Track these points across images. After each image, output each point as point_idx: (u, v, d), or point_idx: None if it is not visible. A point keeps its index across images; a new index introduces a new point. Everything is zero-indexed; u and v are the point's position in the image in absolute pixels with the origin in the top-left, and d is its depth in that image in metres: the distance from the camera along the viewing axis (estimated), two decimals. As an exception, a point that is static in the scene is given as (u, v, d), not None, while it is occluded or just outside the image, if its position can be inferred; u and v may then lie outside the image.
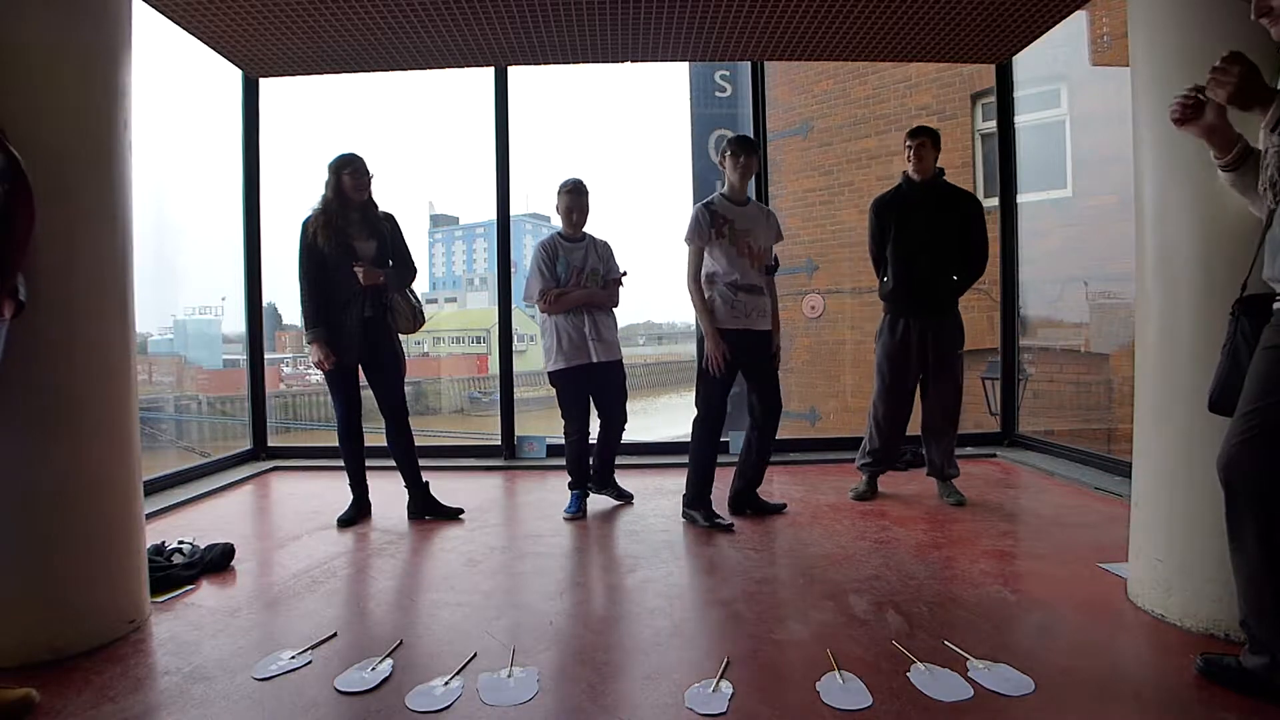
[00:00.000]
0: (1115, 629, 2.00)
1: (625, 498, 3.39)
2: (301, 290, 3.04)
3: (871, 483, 3.40)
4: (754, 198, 3.32)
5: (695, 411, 3.10)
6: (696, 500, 3.04)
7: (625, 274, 3.32)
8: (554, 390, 3.28)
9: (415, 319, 3.20)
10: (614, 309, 3.30)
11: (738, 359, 2.99)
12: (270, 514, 3.49)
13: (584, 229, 3.28)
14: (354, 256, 3.01)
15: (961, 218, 3.18)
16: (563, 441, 3.31)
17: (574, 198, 3.23)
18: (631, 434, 3.45)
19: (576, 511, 3.21)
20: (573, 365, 3.18)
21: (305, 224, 3.04)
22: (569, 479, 3.29)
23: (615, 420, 3.33)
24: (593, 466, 3.35)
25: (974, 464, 4.03)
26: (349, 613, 2.19)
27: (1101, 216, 5.30)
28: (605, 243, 3.33)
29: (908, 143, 3.20)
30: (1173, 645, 1.88)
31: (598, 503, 3.36)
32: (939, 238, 3.15)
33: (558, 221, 3.36)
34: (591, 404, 3.29)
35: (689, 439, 3.13)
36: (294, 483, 3.96)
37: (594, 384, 3.25)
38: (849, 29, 3.72)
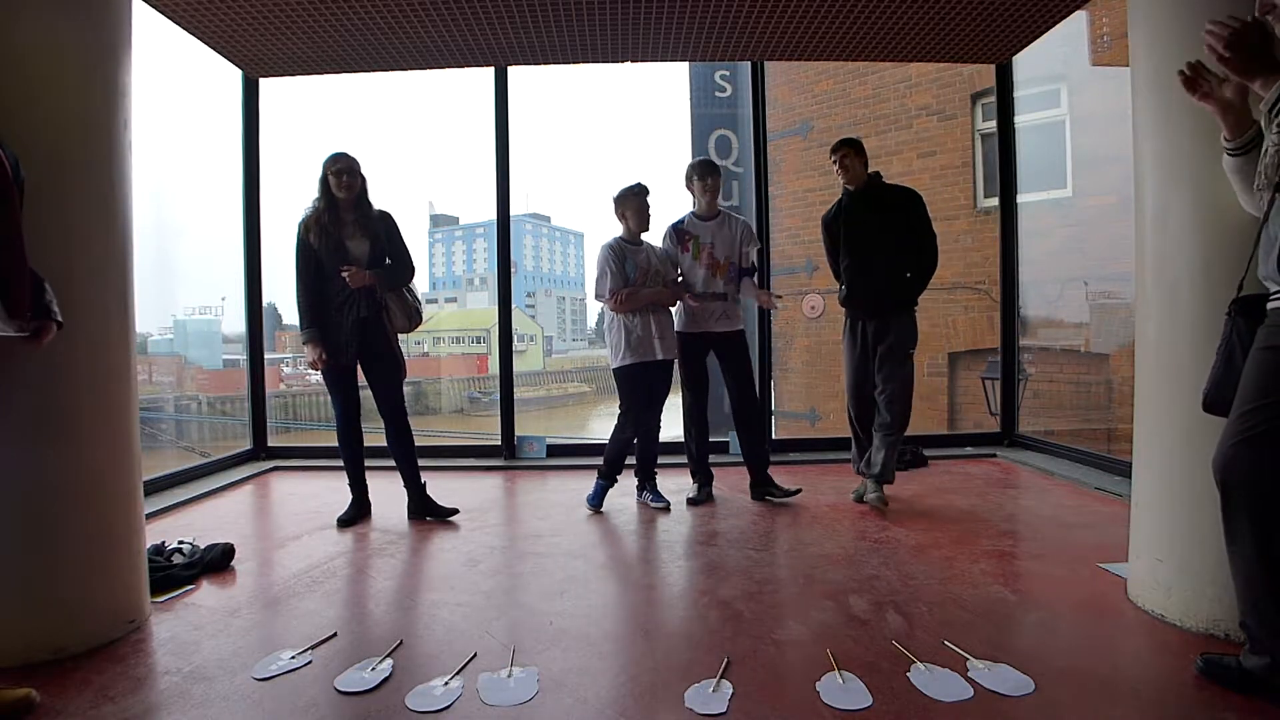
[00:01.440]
0: (1115, 629, 2.00)
1: (662, 503, 3.32)
2: (297, 290, 3.04)
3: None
4: (739, 204, 3.69)
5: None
6: (693, 475, 3.53)
7: (681, 277, 3.40)
8: (615, 384, 3.34)
9: (412, 318, 3.18)
10: (671, 310, 3.37)
11: (701, 358, 3.39)
12: (270, 514, 3.49)
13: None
14: (346, 256, 3.00)
15: (904, 214, 3.17)
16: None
17: (646, 199, 3.27)
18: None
19: (598, 503, 3.28)
20: (640, 361, 3.23)
21: (300, 224, 3.04)
22: (601, 468, 3.31)
23: (653, 423, 3.40)
24: (634, 468, 3.43)
25: (974, 464, 4.04)
26: (349, 613, 2.19)
27: (1101, 216, 5.30)
28: (657, 246, 3.39)
29: (831, 158, 3.22)
30: (1173, 645, 1.88)
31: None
32: (885, 239, 3.15)
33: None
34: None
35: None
36: (294, 483, 3.96)
37: (651, 380, 3.30)
38: (849, 29, 3.73)
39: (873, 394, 3.24)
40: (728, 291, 3.34)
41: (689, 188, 3.41)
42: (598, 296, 3.32)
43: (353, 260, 3.01)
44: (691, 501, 3.37)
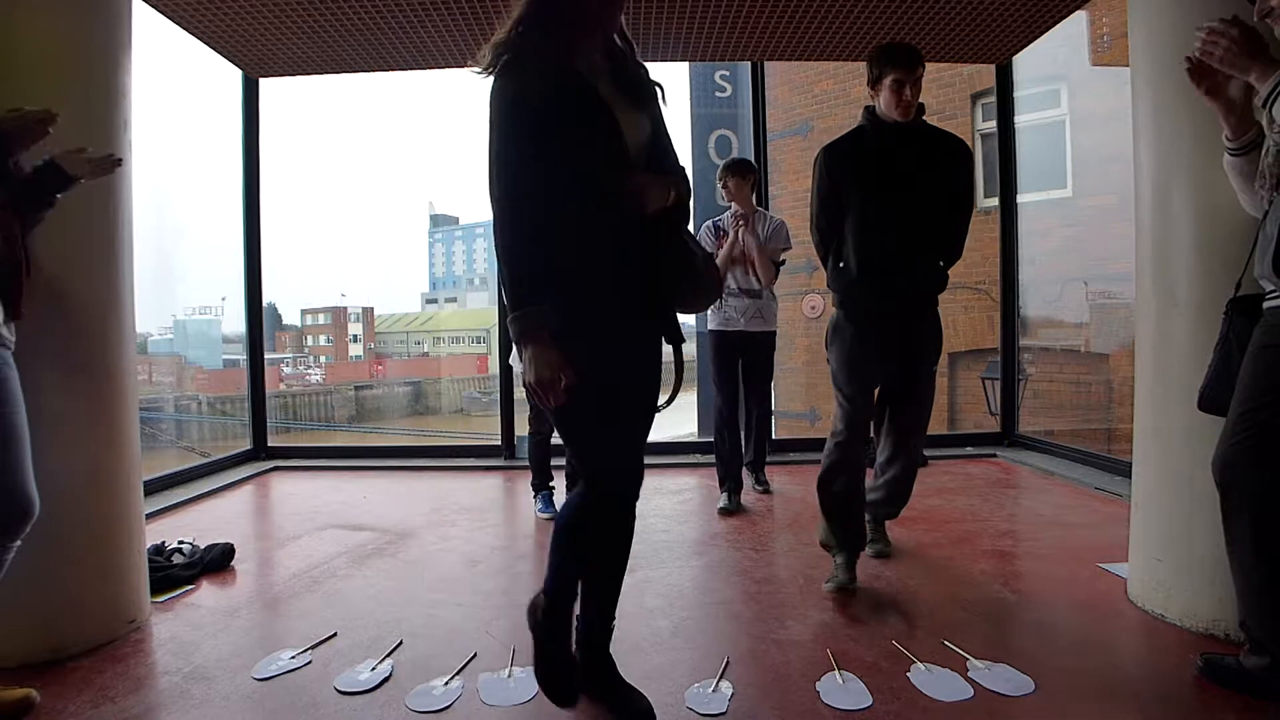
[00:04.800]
0: (1115, 629, 2.00)
1: (549, 512, 3.16)
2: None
3: (850, 566, 2.25)
4: (758, 206, 3.61)
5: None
6: (722, 483, 3.31)
7: None
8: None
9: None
10: None
11: (728, 357, 3.30)
12: (270, 514, 3.49)
13: None
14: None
15: (948, 172, 2.27)
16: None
17: None
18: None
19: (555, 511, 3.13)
20: None
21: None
22: (534, 480, 3.24)
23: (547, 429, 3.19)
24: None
25: (974, 464, 4.04)
26: (349, 613, 2.18)
27: (1101, 216, 5.30)
28: None
29: (894, 77, 2.25)
30: (1173, 645, 1.88)
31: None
32: (921, 202, 2.19)
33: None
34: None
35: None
36: (294, 483, 3.96)
37: None
38: (849, 29, 3.72)
39: (873, 418, 2.37)
40: (761, 290, 3.27)
41: (725, 187, 3.33)
42: None
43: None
44: (724, 511, 3.15)
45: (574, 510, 1.51)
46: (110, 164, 1.75)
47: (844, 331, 2.28)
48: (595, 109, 1.39)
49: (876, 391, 2.34)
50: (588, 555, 1.56)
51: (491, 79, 1.40)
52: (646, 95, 1.50)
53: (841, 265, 2.27)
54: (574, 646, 1.60)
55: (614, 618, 1.62)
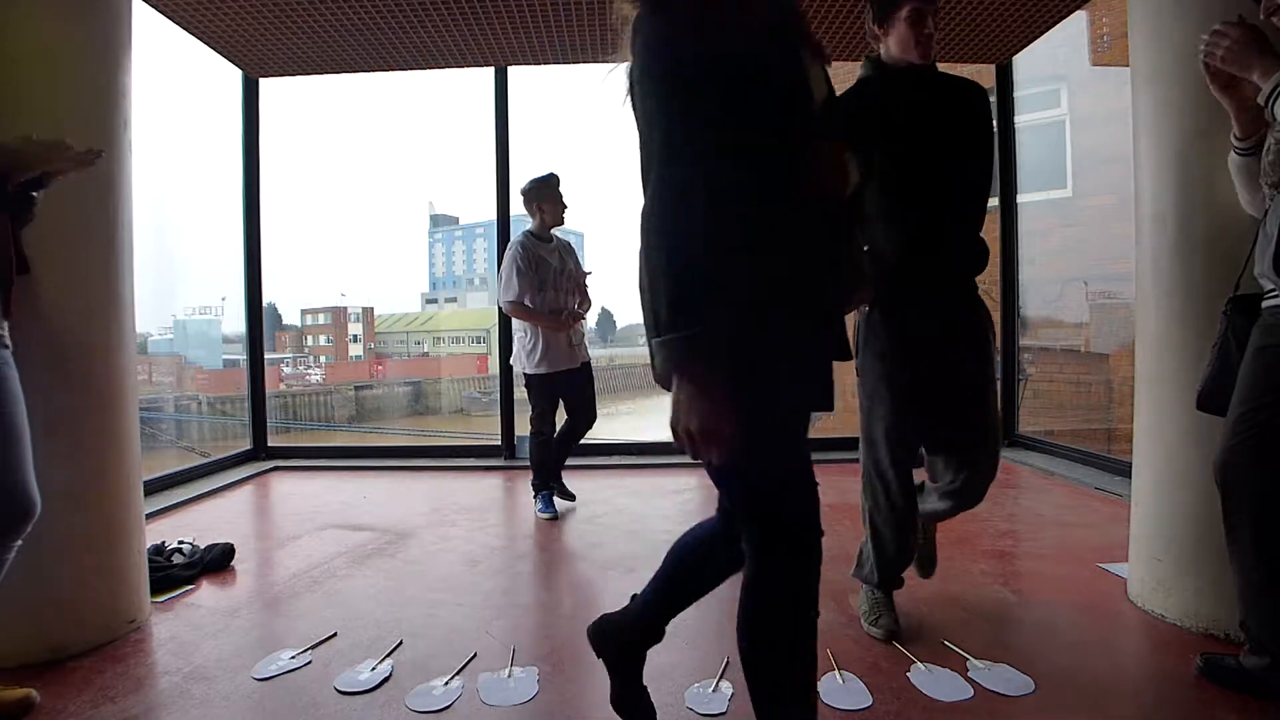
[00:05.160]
0: (1115, 629, 2.00)
1: (570, 497, 3.31)
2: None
3: (889, 601, 1.98)
4: None
5: None
6: None
7: (590, 273, 3.30)
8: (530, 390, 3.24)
9: None
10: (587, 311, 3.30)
11: None
12: (270, 514, 3.49)
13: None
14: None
15: (972, 122, 1.89)
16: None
17: (560, 188, 3.19)
18: (631, 434, 3.43)
19: (549, 511, 3.19)
20: (556, 370, 3.17)
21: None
22: (534, 480, 3.25)
23: (588, 421, 3.31)
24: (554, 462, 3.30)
25: (974, 464, 4.03)
26: (349, 613, 2.18)
27: (1101, 216, 5.30)
28: (567, 242, 3.32)
29: (913, 5, 1.89)
30: (1173, 645, 1.88)
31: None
32: (952, 160, 1.82)
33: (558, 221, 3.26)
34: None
35: None
36: (294, 483, 3.96)
37: (569, 385, 3.23)
38: (849, 29, 3.72)
39: (920, 445, 1.98)
40: None
41: None
42: (506, 302, 3.19)
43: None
44: None
45: (767, 588, 1.24)
46: (91, 157, 1.69)
47: (879, 330, 1.84)
48: (790, 58, 1.05)
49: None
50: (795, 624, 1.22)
51: (640, 17, 1.03)
52: (816, 41, 1.15)
53: (867, 250, 1.79)
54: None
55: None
